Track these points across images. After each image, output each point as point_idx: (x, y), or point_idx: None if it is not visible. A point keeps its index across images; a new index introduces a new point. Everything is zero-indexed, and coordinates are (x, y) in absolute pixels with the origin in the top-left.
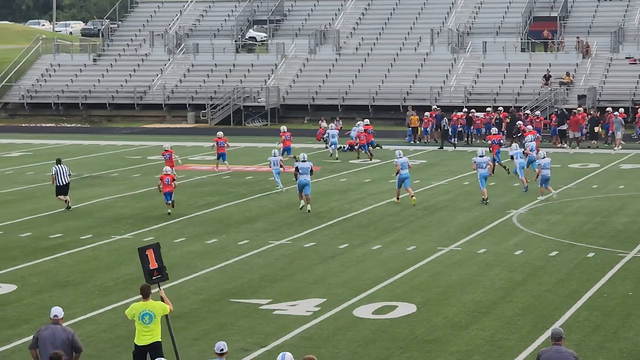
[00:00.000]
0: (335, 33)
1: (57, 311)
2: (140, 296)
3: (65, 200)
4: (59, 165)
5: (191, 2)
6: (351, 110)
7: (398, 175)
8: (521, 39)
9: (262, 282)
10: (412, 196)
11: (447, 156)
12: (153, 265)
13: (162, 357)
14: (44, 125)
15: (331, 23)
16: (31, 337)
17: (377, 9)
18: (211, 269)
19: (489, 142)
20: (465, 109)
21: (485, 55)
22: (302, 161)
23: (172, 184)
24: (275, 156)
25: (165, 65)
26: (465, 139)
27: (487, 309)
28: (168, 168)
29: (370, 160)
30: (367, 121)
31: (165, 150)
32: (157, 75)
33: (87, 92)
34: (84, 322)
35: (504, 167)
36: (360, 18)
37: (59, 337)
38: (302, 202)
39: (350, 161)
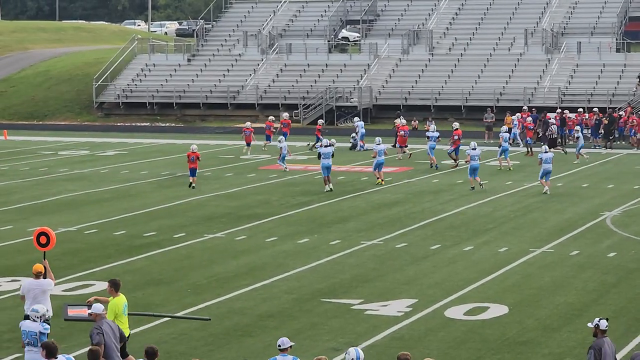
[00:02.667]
0: (429, 33)
1: None
2: (112, 289)
3: None
4: None
5: (284, 2)
6: (444, 111)
7: (375, 160)
8: (616, 39)
9: (353, 282)
10: (382, 180)
11: None
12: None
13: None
14: (138, 124)
15: (424, 23)
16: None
17: (471, 9)
18: (303, 268)
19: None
20: (559, 110)
21: (579, 56)
22: (326, 146)
23: (197, 161)
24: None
25: (259, 65)
26: (559, 139)
27: (580, 311)
28: (194, 146)
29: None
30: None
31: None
32: (250, 75)
33: (181, 91)
34: (177, 320)
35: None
36: (453, 18)
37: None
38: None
39: (442, 162)
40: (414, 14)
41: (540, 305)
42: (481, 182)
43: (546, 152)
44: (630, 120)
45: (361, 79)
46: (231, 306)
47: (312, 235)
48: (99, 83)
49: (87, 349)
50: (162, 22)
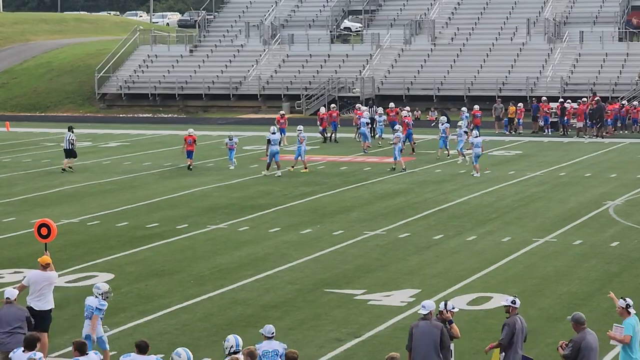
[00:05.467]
0: (431, 23)
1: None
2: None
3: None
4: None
5: None
6: (446, 100)
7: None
8: (619, 29)
9: (356, 273)
10: (304, 166)
11: (543, 147)
12: None
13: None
14: (141, 115)
15: (426, 13)
16: (128, 325)
17: None
18: (306, 258)
19: None
20: (561, 100)
21: (582, 45)
22: (273, 133)
23: (194, 144)
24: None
25: (261, 56)
26: (561, 129)
27: (583, 300)
28: (192, 130)
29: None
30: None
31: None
32: (253, 65)
33: (184, 82)
34: (179, 311)
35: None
36: (455, 8)
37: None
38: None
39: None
40: (416, 3)
41: (544, 294)
42: (485, 169)
43: (476, 136)
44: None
45: (363, 69)
46: (234, 297)
47: (314, 225)
48: (101, 74)
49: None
50: (164, 13)
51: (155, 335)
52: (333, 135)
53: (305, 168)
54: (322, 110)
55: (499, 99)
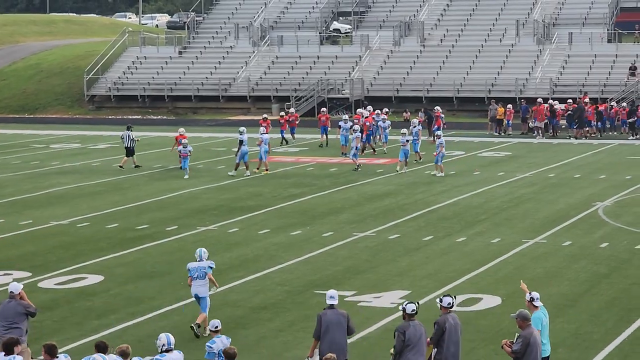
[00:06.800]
0: (420, 24)
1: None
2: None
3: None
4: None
5: None
6: (436, 102)
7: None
8: (608, 30)
9: (346, 274)
10: (265, 168)
11: (532, 148)
12: None
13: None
14: (130, 117)
15: (415, 14)
16: (118, 327)
17: (462, 0)
18: (295, 260)
19: None
20: (550, 101)
21: (571, 47)
22: (241, 133)
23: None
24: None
25: (250, 57)
26: (550, 131)
27: (572, 302)
28: (182, 129)
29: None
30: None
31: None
32: (242, 67)
33: (173, 84)
34: (170, 313)
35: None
36: (445, 9)
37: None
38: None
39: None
40: (406, 5)
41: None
42: (474, 170)
43: (439, 137)
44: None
45: (353, 71)
46: (224, 298)
47: (304, 227)
48: (90, 76)
49: (79, 342)
50: (153, 15)
51: (145, 337)
52: (325, 138)
53: (266, 170)
54: (282, 113)
55: (494, 100)
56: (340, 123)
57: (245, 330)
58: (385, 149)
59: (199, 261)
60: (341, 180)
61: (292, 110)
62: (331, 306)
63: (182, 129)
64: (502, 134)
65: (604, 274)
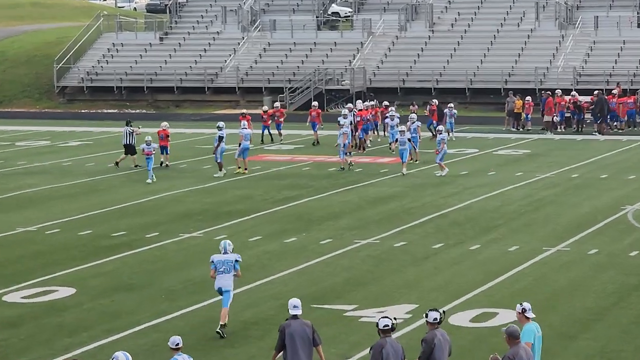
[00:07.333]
0: (428, 7)
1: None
2: None
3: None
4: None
5: None
6: (446, 94)
7: (241, 145)
8: (637, 13)
9: (346, 286)
10: (244, 167)
11: (554, 145)
12: None
13: None
14: (105, 111)
15: None
16: (92, 346)
17: None
18: (290, 270)
19: None
20: (573, 93)
21: (596, 32)
22: (220, 129)
23: (167, 139)
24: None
25: (239, 44)
26: (574, 125)
27: (599, 316)
28: (165, 123)
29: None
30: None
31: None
32: (230, 55)
33: (153, 74)
34: (149, 329)
35: None
36: None
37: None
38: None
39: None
40: None
41: (555, 310)
42: (489, 170)
43: (440, 133)
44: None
45: (354, 59)
46: (210, 314)
47: (299, 234)
48: (60, 65)
49: None
50: None
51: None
52: (315, 137)
53: (245, 169)
54: (265, 107)
55: (511, 92)
56: (339, 119)
57: (233, 349)
58: (392, 148)
59: (223, 254)
60: (341, 182)
61: (277, 104)
62: (295, 316)
63: (165, 124)
64: (521, 129)
65: (634, 285)
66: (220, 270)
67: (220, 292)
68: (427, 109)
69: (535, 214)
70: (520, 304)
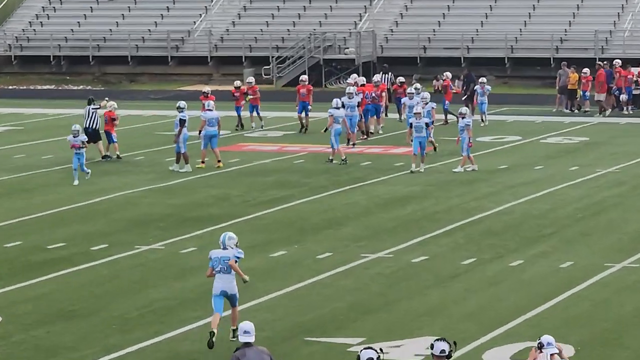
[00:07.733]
0: None
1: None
2: None
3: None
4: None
5: None
6: (479, 64)
7: (202, 133)
8: None
9: (351, 314)
10: (217, 160)
11: (619, 132)
12: None
13: None
14: (39, 87)
15: None
16: None
17: None
18: (278, 293)
19: None
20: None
21: None
22: (181, 110)
23: (113, 123)
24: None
25: (212, 1)
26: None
27: None
28: (112, 103)
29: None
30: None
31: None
32: (200, 16)
33: (101, 40)
34: None
35: None
36: None
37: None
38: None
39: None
40: None
41: (620, 344)
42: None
43: (463, 116)
44: None
45: (360, 21)
46: (175, 349)
47: (290, 245)
48: None
49: None
50: None
51: None
52: (305, 122)
53: (219, 161)
54: (238, 83)
55: (564, 62)
56: (342, 99)
57: None
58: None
59: (222, 249)
60: (344, 178)
61: (250, 80)
62: (247, 344)
63: (112, 103)
64: (576, 110)
65: None
66: (217, 269)
67: (224, 296)
68: (436, 85)
69: (595, 221)
70: (539, 338)
